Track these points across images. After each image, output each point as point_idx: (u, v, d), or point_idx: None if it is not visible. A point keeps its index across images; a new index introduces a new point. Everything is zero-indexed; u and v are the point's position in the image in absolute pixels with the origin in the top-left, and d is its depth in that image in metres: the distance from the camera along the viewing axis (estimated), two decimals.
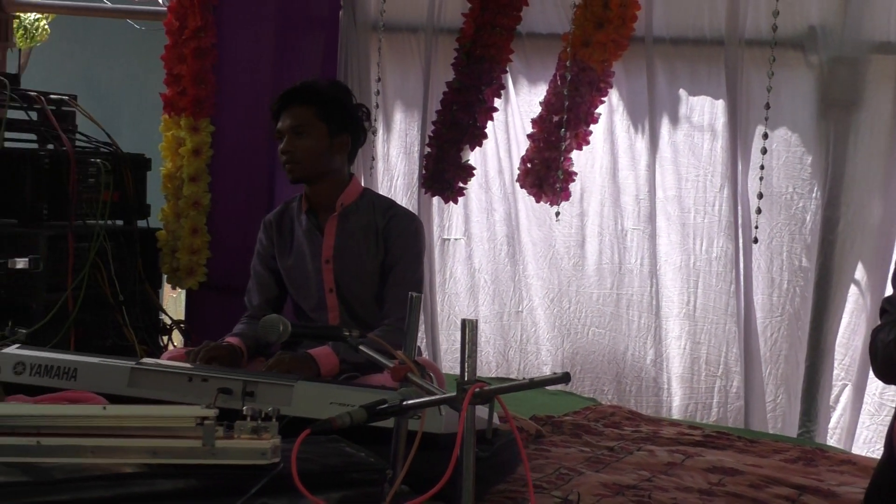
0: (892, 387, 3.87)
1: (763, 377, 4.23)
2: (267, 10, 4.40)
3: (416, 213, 4.00)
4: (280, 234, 3.34)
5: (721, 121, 4.26)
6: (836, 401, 4.16)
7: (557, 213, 4.27)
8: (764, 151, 4.08)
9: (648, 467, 3.09)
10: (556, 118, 4.21)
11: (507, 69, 4.38)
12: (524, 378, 3.93)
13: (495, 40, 4.28)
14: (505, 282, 4.61)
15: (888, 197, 4.11)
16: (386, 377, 2.82)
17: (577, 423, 3.67)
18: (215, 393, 2.57)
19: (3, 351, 2.85)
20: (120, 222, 4.13)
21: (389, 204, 3.35)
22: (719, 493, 2.86)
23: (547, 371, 4.51)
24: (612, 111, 4.39)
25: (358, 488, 2.01)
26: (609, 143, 4.41)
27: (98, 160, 3.96)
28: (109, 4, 6.43)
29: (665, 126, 4.34)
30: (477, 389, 1.73)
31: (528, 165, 4.27)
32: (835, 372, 4.16)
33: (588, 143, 4.26)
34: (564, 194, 4.24)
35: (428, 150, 4.41)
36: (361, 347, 2.23)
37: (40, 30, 5.59)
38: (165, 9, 4.43)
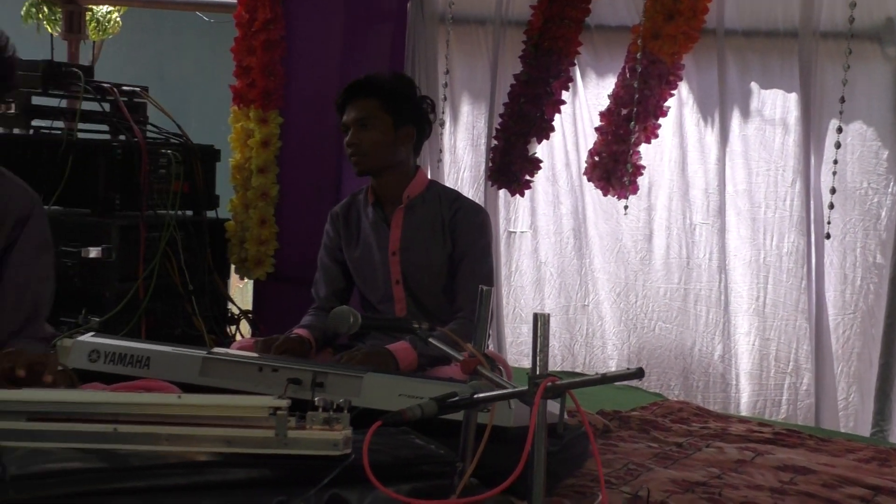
0: None
1: (835, 375, 4.15)
2: (335, 2, 4.42)
3: (483, 206, 3.99)
4: (347, 227, 3.36)
5: (794, 114, 4.19)
6: None
7: (626, 207, 4.23)
8: (838, 146, 4.00)
9: (718, 464, 3.05)
10: (624, 111, 4.16)
11: (576, 62, 4.34)
12: (596, 373, 3.90)
13: (563, 32, 4.25)
14: (571, 275, 4.58)
15: None
16: (454, 369, 2.83)
17: (644, 418, 3.64)
18: (285, 383, 2.59)
19: (79, 339, 2.90)
20: (190, 213, 4.17)
21: (456, 196, 3.35)
22: (791, 491, 2.82)
23: (612, 365, 4.49)
24: (681, 104, 4.33)
25: (428, 480, 2.01)
26: (678, 137, 4.36)
27: (169, 151, 4.00)
28: None
29: (736, 119, 4.28)
30: (549, 384, 1.71)
31: (596, 159, 4.24)
32: None
33: (657, 136, 4.21)
34: (632, 188, 4.20)
35: (495, 142, 4.40)
36: (431, 340, 2.23)
37: (112, 22, 5.65)
38: (235, 1, 4.47)
